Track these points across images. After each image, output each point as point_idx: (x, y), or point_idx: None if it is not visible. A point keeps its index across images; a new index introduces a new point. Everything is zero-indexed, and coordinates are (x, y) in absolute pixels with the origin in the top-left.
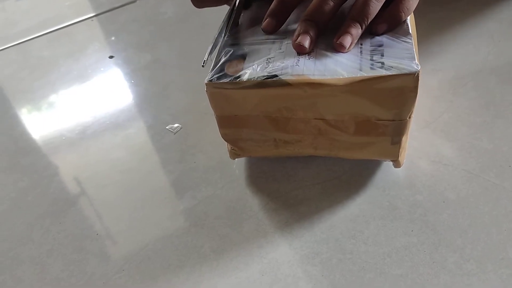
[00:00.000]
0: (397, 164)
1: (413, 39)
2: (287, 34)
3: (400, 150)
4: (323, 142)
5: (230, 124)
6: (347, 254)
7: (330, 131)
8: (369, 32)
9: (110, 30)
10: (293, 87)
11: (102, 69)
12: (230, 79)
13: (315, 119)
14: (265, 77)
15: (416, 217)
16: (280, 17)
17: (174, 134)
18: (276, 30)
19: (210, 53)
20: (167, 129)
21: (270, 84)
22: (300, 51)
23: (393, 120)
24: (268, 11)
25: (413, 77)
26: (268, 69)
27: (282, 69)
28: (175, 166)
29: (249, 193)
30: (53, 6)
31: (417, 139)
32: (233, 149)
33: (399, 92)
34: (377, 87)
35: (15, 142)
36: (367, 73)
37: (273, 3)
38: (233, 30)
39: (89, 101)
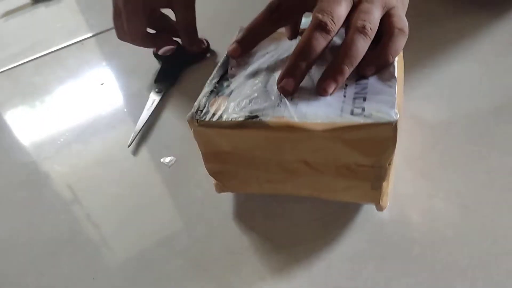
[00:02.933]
0: (379, 208)
1: (399, 80)
2: (276, 68)
3: (381, 194)
4: (305, 183)
5: (214, 160)
6: None
7: (311, 173)
8: (356, 73)
9: (101, 54)
10: (272, 129)
11: (93, 96)
12: (211, 117)
13: (296, 160)
14: (245, 118)
15: (414, 255)
16: (246, 45)
17: (169, 167)
18: (241, 56)
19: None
20: (161, 162)
21: (250, 125)
22: (284, 94)
23: (372, 167)
24: (237, 38)
25: (391, 127)
26: (250, 109)
27: (264, 110)
28: (170, 203)
29: (245, 231)
30: (42, 29)
31: (411, 171)
32: (218, 184)
33: (377, 140)
34: (355, 135)
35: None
36: (347, 119)
37: (243, 31)
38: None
39: (80, 132)
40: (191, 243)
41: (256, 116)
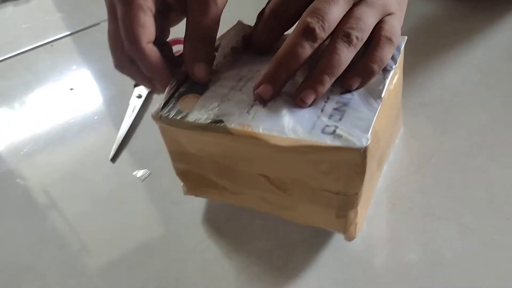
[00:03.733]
0: (347, 237)
1: (392, 97)
2: (258, 74)
3: (350, 224)
4: (267, 200)
5: (180, 160)
6: None
7: (273, 190)
8: (341, 86)
9: (71, 57)
10: (234, 137)
11: (61, 102)
12: (177, 115)
13: (257, 174)
14: (210, 121)
15: (411, 280)
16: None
17: (142, 181)
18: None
19: None
20: (133, 175)
21: (213, 129)
22: (259, 101)
23: (337, 193)
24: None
25: (358, 153)
26: (217, 112)
27: (231, 115)
28: (143, 222)
29: (226, 253)
30: (9, 28)
31: (406, 186)
32: (183, 186)
33: (344, 165)
34: (319, 156)
35: None
36: (315, 137)
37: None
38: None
39: (46, 143)
40: (166, 267)
41: (221, 121)
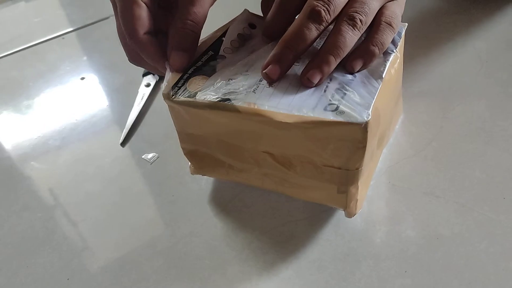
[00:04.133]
0: (348, 214)
1: (391, 80)
2: (265, 55)
3: (350, 200)
4: (271, 177)
5: (188, 140)
6: None
7: (277, 167)
8: (344, 68)
9: (82, 49)
10: (241, 115)
11: (73, 91)
12: (186, 95)
13: (262, 151)
14: (218, 99)
15: (409, 255)
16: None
17: (151, 164)
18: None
19: None
20: (142, 158)
21: (220, 108)
22: (267, 81)
23: (339, 168)
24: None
25: (360, 128)
26: (224, 91)
27: (238, 94)
28: (152, 200)
29: (232, 229)
30: (22, 22)
31: (406, 168)
32: (191, 166)
33: (346, 140)
34: (322, 132)
35: None
36: (318, 114)
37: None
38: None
39: (59, 128)
40: (174, 242)
41: (228, 99)
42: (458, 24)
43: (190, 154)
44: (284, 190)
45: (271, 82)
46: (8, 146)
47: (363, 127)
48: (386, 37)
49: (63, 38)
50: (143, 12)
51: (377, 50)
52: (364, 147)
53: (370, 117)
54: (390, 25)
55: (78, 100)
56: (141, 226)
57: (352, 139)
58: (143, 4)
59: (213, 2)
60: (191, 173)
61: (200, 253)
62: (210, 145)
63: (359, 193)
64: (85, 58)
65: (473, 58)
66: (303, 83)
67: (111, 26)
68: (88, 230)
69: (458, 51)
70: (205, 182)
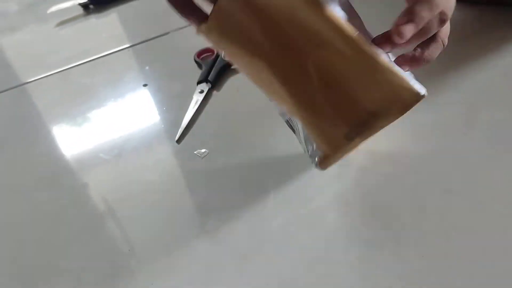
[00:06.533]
0: (321, 163)
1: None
2: None
3: (338, 149)
4: (292, 84)
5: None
6: None
7: (311, 79)
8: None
9: (144, 60)
10: (324, 17)
11: (137, 96)
12: None
13: (310, 59)
14: None
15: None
16: None
17: (202, 158)
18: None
19: None
20: (195, 153)
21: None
22: (398, 35)
23: (366, 111)
24: None
25: (417, 98)
26: None
27: None
28: (202, 189)
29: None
30: (92, 37)
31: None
32: (204, 24)
33: (397, 100)
34: (380, 74)
35: (56, 163)
36: (398, 70)
37: None
38: None
39: (124, 126)
40: (220, 224)
41: None
42: (489, 40)
43: (220, 9)
44: (292, 108)
45: (400, 39)
46: (82, 140)
47: (418, 99)
48: (437, 53)
49: (128, 51)
50: None
51: (422, 63)
52: (402, 113)
53: (426, 95)
54: (444, 42)
55: (141, 103)
56: (192, 207)
57: (403, 102)
58: None
59: None
60: (197, 32)
61: (240, 233)
62: (255, 20)
63: (351, 152)
64: (147, 68)
65: (502, 74)
66: (393, 32)
67: (170, 41)
68: (144, 213)
69: (487, 65)
70: (249, 177)
